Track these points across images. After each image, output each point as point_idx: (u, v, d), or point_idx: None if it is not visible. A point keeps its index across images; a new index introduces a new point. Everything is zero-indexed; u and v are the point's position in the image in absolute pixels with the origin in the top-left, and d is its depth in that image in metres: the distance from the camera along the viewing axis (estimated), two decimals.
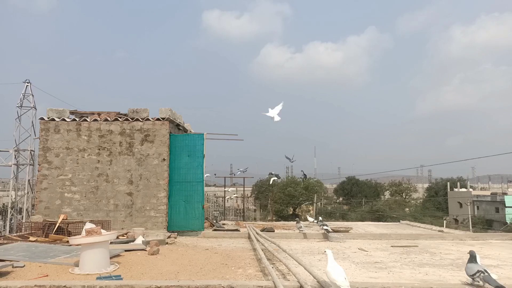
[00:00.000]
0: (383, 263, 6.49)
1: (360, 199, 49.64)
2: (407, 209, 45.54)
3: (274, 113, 11.23)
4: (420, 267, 6.22)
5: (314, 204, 41.85)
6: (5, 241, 7.48)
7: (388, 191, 56.55)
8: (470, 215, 34.58)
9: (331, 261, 4.46)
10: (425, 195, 53.24)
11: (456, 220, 40.97)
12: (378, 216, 36.00)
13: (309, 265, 5.52)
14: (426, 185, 61.35)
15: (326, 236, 9.42)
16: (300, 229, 10.29)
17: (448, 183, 46.17)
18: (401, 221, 14.91)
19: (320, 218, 11.25)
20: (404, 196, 54.01)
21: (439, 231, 10.96)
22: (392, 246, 8.35)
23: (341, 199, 58.04)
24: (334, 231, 10.31)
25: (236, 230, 10.20)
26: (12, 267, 5.51)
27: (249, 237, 9.08)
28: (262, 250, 6.73)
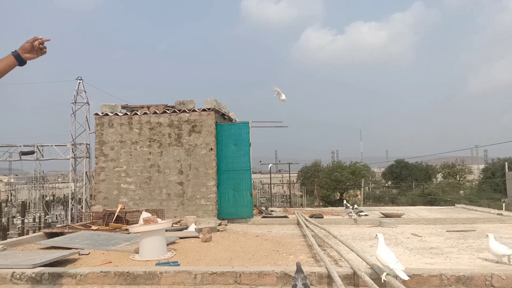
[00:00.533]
0: (439, 248, 6.30)
1: (410, 183, 48.08)
2: (461, 191, 43.53)
3: (283, 95, 11.17)
4: (478, 252, 5.98)
5: (362, 188, 41.12)
6: (70, 230, 8.04)
7: (440, 173, 54.28)
8: None
9: (382, 244, 4.41)
10: (481, 176, 50.51)
11: None
12: (430, 200, 34.73)
13: (361, 251, 5.48)
14: (482, 166, 58.14)
15: (377, 222, 9.26)
16: (350, 215, 10.18)
17: (506, 163, 43.45)
18: (456, 204, 14.31)
19: (356, 206, 11.03)
20: (458, 178, 51.62)
21: (497, 214, 10.41)
22: (447, 231, 8.06)
23: (389, 183, 56.54)
24: (385, 216, 10.11)
25: (285, 216, 10.28)
26: (79, 255, 5.93)
27: (298, 224, 9.13)
28: (312, 236, 6.75)
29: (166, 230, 6.80)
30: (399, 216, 10.10)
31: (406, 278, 4.03)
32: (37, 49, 2.92)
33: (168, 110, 10.51)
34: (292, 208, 13.41)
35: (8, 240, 8.66)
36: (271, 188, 34.63)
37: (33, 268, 4.77)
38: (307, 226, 7.90)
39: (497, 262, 5.15)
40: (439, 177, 54.32)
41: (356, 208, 10.43)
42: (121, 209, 8.94)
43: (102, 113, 10.64)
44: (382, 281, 4.12)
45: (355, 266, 4.43)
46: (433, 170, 54.95)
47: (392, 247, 6.18)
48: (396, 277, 4.15)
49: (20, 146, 27.77)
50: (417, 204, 29.25)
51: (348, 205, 11.19)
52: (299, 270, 3.81)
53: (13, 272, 4.71)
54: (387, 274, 4.17)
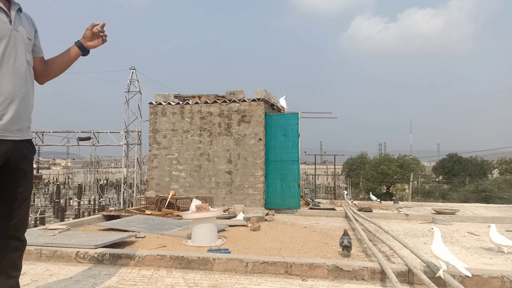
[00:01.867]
0: None
1: (463, 178, 45.78)
2: None
3: (283, 103, 11.62)
4: None
5: (410, 182, 39.72)
6: (126, 214, 8.47)
7: (496, 169, 51.19)
8: None
9: (438, 238, 4.26)
10: None
11: None
12: (484, 197, 32.93)
13: (414, 247, 5.32)
14: None
15: (430, 218, 8.94)
16: (399, 209, 9.91)
17: None
18: None
19: (394, 201, 10.79)
20: None
21: None
22: (507, 231, 7.63)
23: (440, 177, 54.18)
24: (439, 213, 9.74)
25: (332, 209, 10.18)
26: (135, 238, 6.24)
27: (346, 217, 9.02)
28: (362, 230, 6.64)
29: (216, 218, 6.98)
30: (453, 213, 9.68)
31: (469, 275, 3.88)
32: (98, 36, 3.00)
33: (218, 100, 10.69)
34: (338, 201, 13.24)
35: (72, 220, 9.27)
36: (315, 179, 34.36)
37: (95, 248, 5.07)
38: (356, 220, 7.78)
39: (498, 251, 5.72)
40: (495, 173, 51.25)
41: (396, 203, 10.18)
42: (172, 195, 9.28)
43: (156, 102, 11.01)
44: (438, 277, 3.98)
45: (409, 263, 4.32)
46: (489, 165, 51.92)
47: (447, 245, 5.95)
48: (454, 276, 4.01)
49: (77, 132, 29.49)
50: (470, 201, 27.85)
51: (396, 199, 10.94)
52: (345, 233, 5.54)
53: (78, 252, 5.05)
54: (444, 271, 4.04)
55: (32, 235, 5.82)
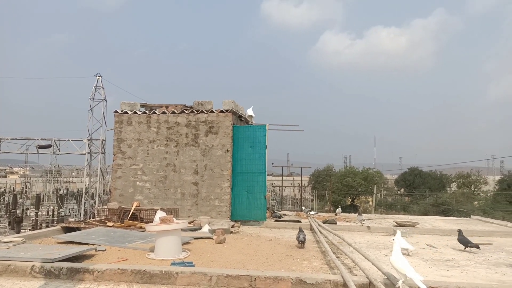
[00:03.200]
0: (455, 261, 6.22)
1: (424, 191, 47.45)
2: (475, 202, 42.79)
3: (251, 112, 12.10)
4: (496, 266, 5.89)
5: (374, 195, 40.71)
6: (86, 226, 8.17)
7: (454, 183, 53.45)
8: None
9: (397, 250, 4.39)
10: (497, 188, 49.57)
11: None
12: (443, 210, 34.22)
13: (376, 260, 5.44)
14: (498, 177, 57.07)
15: (391, 230, 9.18)
16: (362, 222, 10.12)
17: None
18: (471, 216, 14.08)
19: (358, 214, 11.13)
20: (472, 189, 50.76)
21: None
22: None
23: (402, 190, 55.90)
24: (400, 225, 10.02)
25: (298, 221, 10.26)
26: (95, 251, 6.02)
27: (311, 229, 9.11)
28: (326, 242, 6.73)
29: (181, 230, 6.86)
30: (413, 225, 10.00)
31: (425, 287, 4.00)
32: None
33: (186, 110, 10.60)
34: (304, 213, 13.37)
35: (27, 232, 8.84)
36: (282, 191, 34.55)
37: (52, 262, 4.86)
38: (320, 232, 7.88)
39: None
40: (454, 187, 53.49)
41: (359, 215, 10.46)
42: (136, 206, 9.04)
43: (122, 111, 10.78)
44: None
45: (371, 275, 4.41)
46: (448, 179, 54.14)
47: (407, 258, 6.12)
48: None
49: (37, 139, 28.30)
50: (430, 214, 28.84)
51: (360, 211, 11.21)
52: (301, 230, 7.21)
53: (33, 266, 4.82)
54: (403, 282, 4.15)
55: None
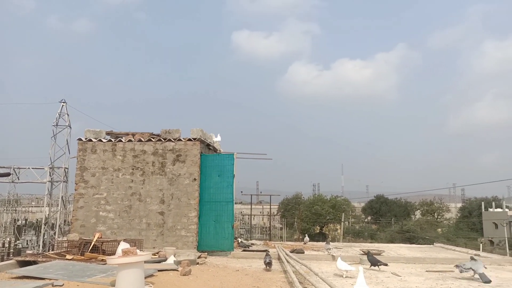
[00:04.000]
0: None
1: (390, 219, 48.38)
2: (439, 229, 44.01)
3: (218, 138, 12.40)
4: None
5: (342, 223, 41.08)
6: (43, 259, 7.75)
7: (419, 210, 54.92)
8: (506, 237, 33.02)
9: (361, 278, 4.53)
10: (458, 215, 51.31)
11: (491, 242, 39.15)
12: (408, 237, 34.92)
13: None
14: (459, 205, 59.18)
15: (358, 259, 9.26)
16: (329, 251, 10.16)
17: (483, 203, 44.41)
18: (435, 243, 14.45)
19: (326, 242, 11.27)
20: (436, 216, 52.29)
21: (475, 254, 10.55)
22: (427, 271, 8.12)
23: (369, 218, 56.77)
24: (365, 253, 10.12)
25: (266, 251, 10.15)
26: (52, 286, 5.70)
27: (279, 258, 9.04)
28: (293, 272, 6.69)
29: (145, 262, 6.64)
30: (379, 253, 10.13)
31: None
32: None
33: (153, 138, 10.49)
34: (273, 242, 13.29)
35: None
36: (251, 219, 34.27)
37: None
38: (287, 262, 7.83)
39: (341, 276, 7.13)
40: (418, 214, 54.91)
41: (327, 244, 10.54)
42: (98, 238, 8.69)
43: (86, 139, 10.52)
44: None
45: None
46: (412, 207, 55.57)
47: (373, 286, 6.18)
48: None
49: None
50: (396, 241, 29.35)
51: (328, 240, 11.27)
52: (267, 254, 7.90)
53: None
54: None
55: None
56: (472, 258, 7.72)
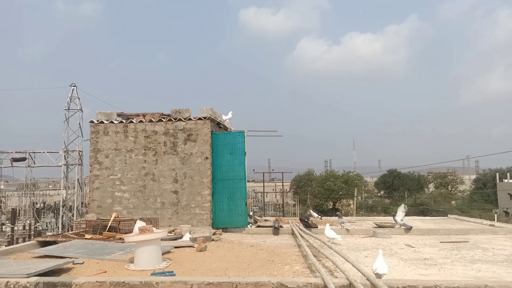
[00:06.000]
0: (433, 259, 6.35)
1: (403, 193, 48.33)
2: (453, 202, 43.85)
3: (229, 116, 12.16)
4: (472, 263, 6.04)
5: (355, 198, 41.24)
6: (63, 239, 7.98)
7: (432, 183, 54.68)
8: None
9: (380, 259, 4.65)
10: (472, 187, 50.93)
11: (506, 213, 38.98)
12: (422, 210, 34.92)
13: (356, 261, 5.50)
14: (473, 177, 58.67)
15: (371, 232, 9.31)
16: (342, 224, 10.22)
17: (497, 174, 43.94)
18: (448, 215, 14.40)
19: (337, 216, 11.09)
20: (449, 189, 52.03)
21: (490, 225, 10.51)
22: (441, 242, 8.13)
23: (382, 192, 56.79)
24: (379, 226, 10.16)
25: (280, 226, 10.26)
26: (73, 264, 5.88)
27: (293, 233, 9.14)
28: (307, 246, 6.77)
29: (161, 240, 6.78)
30: (392, 226, 10.15)
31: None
32: None
33: (163, 118, 10.52)
34: (286, 218, 13.40)
35: (2, 248, 8.55)
36: (264, 197, 34.59)
37: (28, 277, 4.72)
38: (301, 236, 7.91)
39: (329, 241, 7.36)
40: (431, 187, 54.69)
41: (339, 218, 10.56)
42: (115, 217, 8.88)
43: (98, 121, 10.61)
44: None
45: (351, 277, 4.45)
46: (425, 180, 55.34)
47: (387, 258, 6.22)
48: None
49: (11, 152, 27.53)
50: (410, 215, 29.31)
51: (340, 214, 11.28)
52: (276, 220, 9.69)
53: (7, 282, 4.66)
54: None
55: None
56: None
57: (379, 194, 57.75)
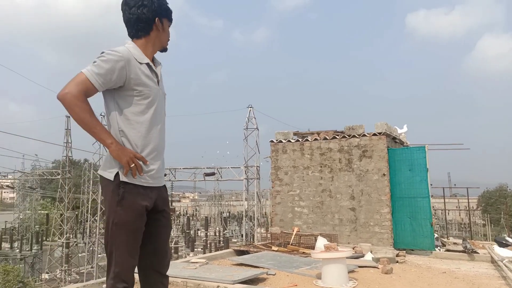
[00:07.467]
0: None
1: None
2: None
3: (404, 129, 11.65)
4: None
5: None
6: (254, 249, 8.82)
7: None
8: None
9: None
10: None
11: None
12: None
13: None
14: None
15: None
16: None
17: None
18: None
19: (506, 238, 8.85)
20: None
21: None
22: None
23: None
24: None
25: (474, 251, 9.09)
26: (266, 274, 6.44)
27: (493, 261, 7.96)
28: None
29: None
30: None
31: None
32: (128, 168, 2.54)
33: (337, 135, 10.67)
34: (477, 241, 11.77)
35: (207, 254, 10.03)
36: (445, 214, 31.11)
37: (233, 284, 5.39)
38: (506, 266, 6.82)
39: None
40: None
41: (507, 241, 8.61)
42: (296, 232, 9.38)
43: (277, 140, 11.48)
44: None
45: None
46: None
47: None
48: None
49: (203, 168, 32.09)
50: None
51: None
52: (465, 239, 9.08)
53: (218, 286, 5.42)
54: None
55: (177, 267, 6.45)
56: None
57: None
